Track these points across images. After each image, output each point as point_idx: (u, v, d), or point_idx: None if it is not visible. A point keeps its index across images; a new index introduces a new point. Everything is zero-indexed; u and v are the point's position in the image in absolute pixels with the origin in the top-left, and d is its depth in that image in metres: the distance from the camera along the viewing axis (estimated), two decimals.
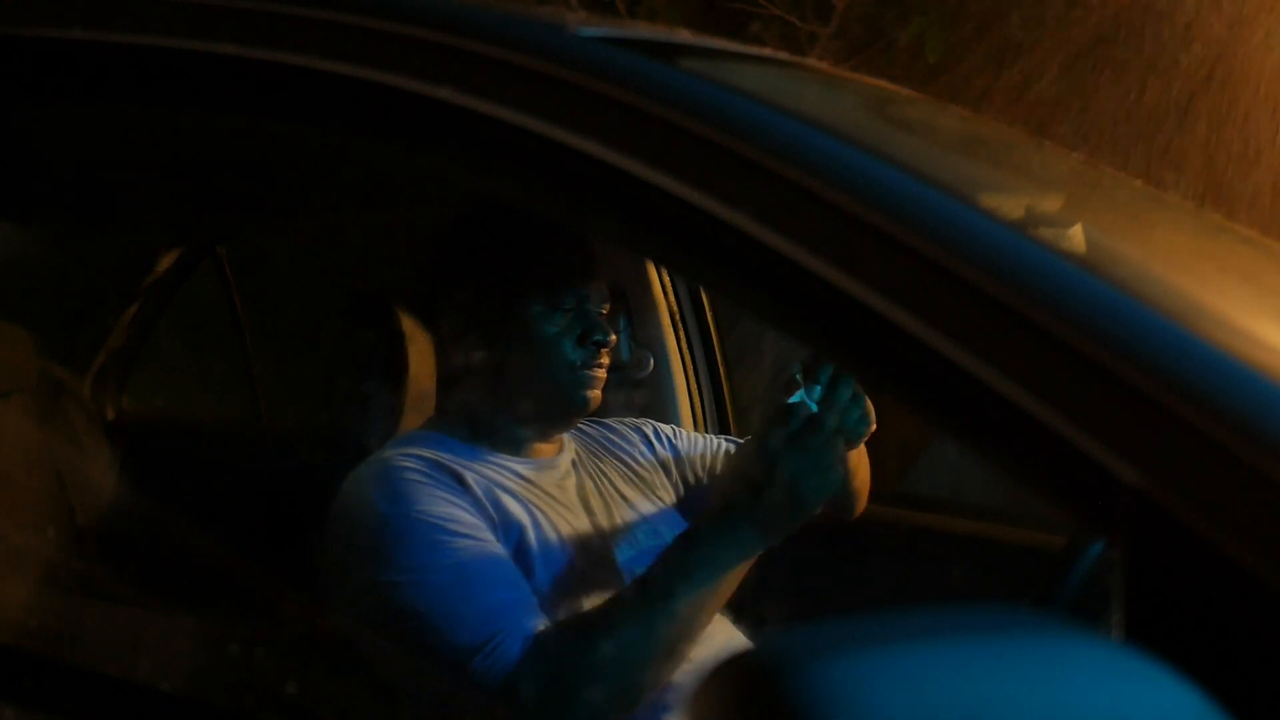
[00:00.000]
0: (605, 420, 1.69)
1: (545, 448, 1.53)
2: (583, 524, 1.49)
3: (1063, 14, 4.09)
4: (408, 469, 1.38)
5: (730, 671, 0.66)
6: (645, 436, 1.70)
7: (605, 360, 1.48)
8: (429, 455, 1.40)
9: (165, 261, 2.52)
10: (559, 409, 1.49)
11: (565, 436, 1.58)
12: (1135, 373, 0.73)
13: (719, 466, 1.71)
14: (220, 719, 1.17)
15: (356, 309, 1.79)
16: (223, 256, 2.63)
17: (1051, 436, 0.74)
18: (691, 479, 1.68)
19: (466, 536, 1.33)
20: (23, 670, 1.14)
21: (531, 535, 1.41)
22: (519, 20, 0.97)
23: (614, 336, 1.48)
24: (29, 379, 1.97)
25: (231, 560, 1.57)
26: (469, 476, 1.40)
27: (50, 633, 1.52)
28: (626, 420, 1.72)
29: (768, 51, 1.38)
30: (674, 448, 1.70)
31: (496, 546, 1.35)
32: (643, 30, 1.19)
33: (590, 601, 1.40)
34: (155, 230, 2.49)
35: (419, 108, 0.93)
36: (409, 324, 1.68)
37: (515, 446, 1.50)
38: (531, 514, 1.43)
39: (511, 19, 0.97)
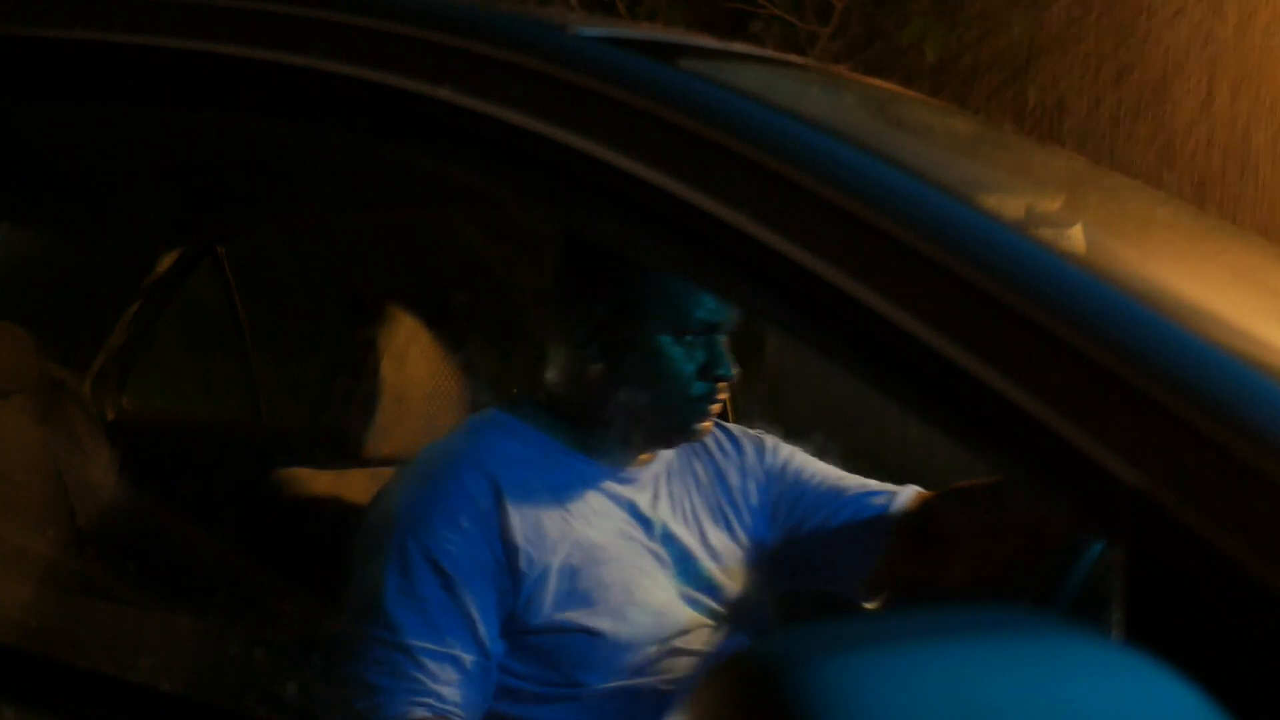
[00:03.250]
0: (728, 428, 1.61)
1: (635, 458, 1.49)
2: (640, 545, 1.45)
3: (1063, 14, 4.09)
4: (448, 475, 1.36)
5: (730, 671, 0.66)
6: (765, 453, 1.59)
7: (716, 399, 1.44)
8: (478, 464, 1.37)
9: (165, 261, 2.51)
10: (666, 434, 1.46)
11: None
12: (1135, 372, 0.73)
13: (836, 509, 1.57)
14: (220, 719, 1.17)
15: (356, 309, 1.79)
16: (223, 256, 2.63)
17: (1051, 436, 0.74)
18: (801, 517, 1.57)
19: (444, 587, 1.32)
20: (23, 670, 1.14)
21: (556, 556, 1.37)
22: (519, 20, 0.96)
23: (736, 371, 1.44)
24: (29, 379, 1.97)
25: (231, 560, 1.57)
26: (515, 479, 1.37)
27: (50, 633, 1.52)
28: (751, 433, 1.62)
29: (768, 51, 1.38)
30: (794, 474, 1.59)
31: (467, 610, 1.33)
32: (643, 30, 1.19)
33: (627, 625, 1.38)
34: (155, 230, 2.48)
35: (419, 108, 0.93)
36: (410, 324, 1.68)
37: (602, 454, 1.46)
38: (580, 531, 1.39)
39: (511, 19, 0.97)
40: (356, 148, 1.48)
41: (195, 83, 1.03)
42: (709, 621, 1.46)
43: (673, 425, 1.45)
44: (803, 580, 1.58)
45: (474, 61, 0.92)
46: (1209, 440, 0.71)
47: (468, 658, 1.32)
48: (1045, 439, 0.75)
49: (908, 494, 1.56)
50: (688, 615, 1.44)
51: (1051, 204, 1.14)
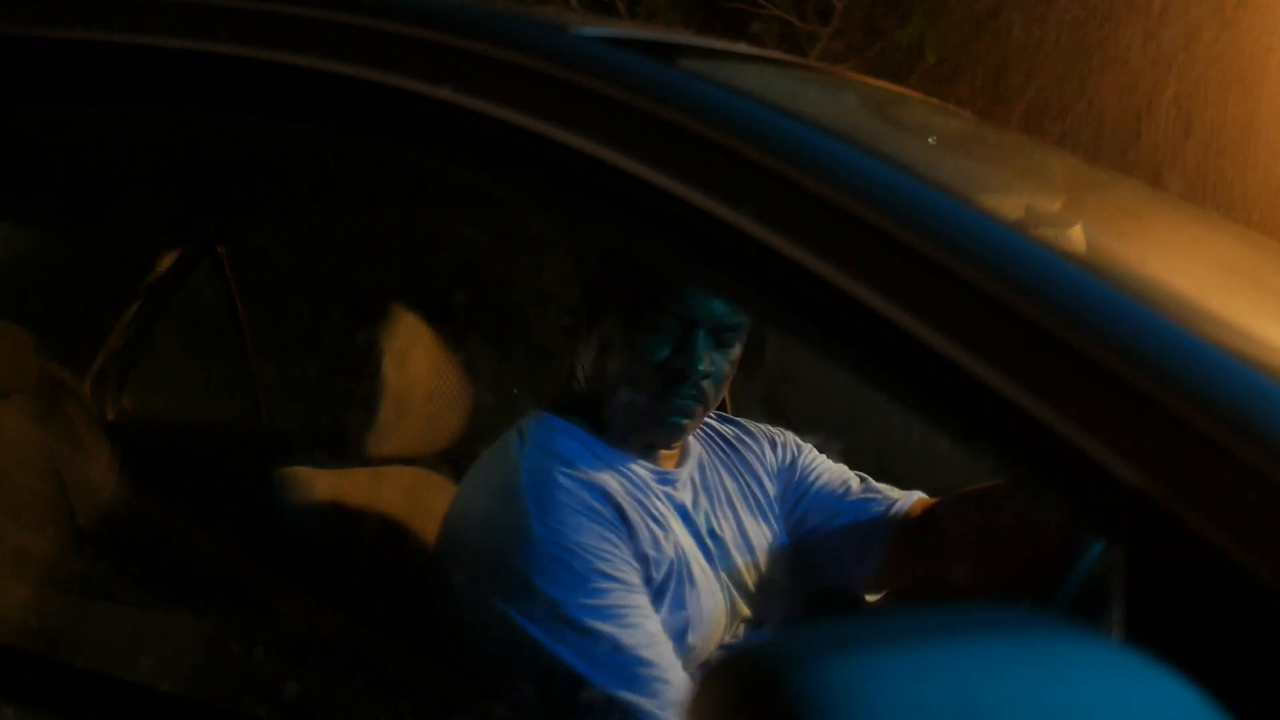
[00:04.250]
0: (744, 422, 1.62)
1: (666, 454, 1.48)
2: (698, 545, 1.45)
3: (1063, 14, 4.09)
4: (562, 485, 1.34)
5: (730, 671, 0.66)
6: (777, 447, 1.61)
7: (689, 395, 1.40)
8: (575, 471, 1.36)
9: (165, 261, 2.51)
10: (648, 426, 1.43)
11: (694, 443, 1.52)
12: (1135, 373, 0.73)
13: (837, 511, 1.58)
14: (220, 719, 1.17)
15: (357, 309, 1.79)
16: (223, 256, 2.63)
17: (1051, 436, 0.74)
18: (802, 515, 1.58)
19: (628, 593, 1.32)
20: (23, 670, 1.14)
21: (667, 559, 1.38)
22: (519, 20, 0.97)
23: (699, 376, 1.39)
24: (29, 379, 1.97)
25: (231, 560, 1.57)
26: (609, 484, 1.37)
27: (50, 633, 1.52)
28: (766, 428, 1.63)
29: (768, 51, 1.38)
30: (800, 471, 1.60)
31: (635, 588, 1.33)
32: (643, 30, 1.19)
33: (699, 625, 1.39)
34: (155, 230, 2.49)
35: (419, 108, 0.93)
36: (411, 323, 1.68)
37: (637, 449, 1.45)
38: (673, 535, 1.41)
39: (511, 19, 0.97)
40: (356, 148, 1.48)
41: (195, 83, 1.03)
42: (748, 618, 1.48)
43: (647, 415, 1.41)
44: (805, 578, 1.58)
45: (474, 61, 0.93)
46: (1209, 440, 0.71)
47: (666, 640, 1.33)
48: (1045, 439, 0.75)
49: (910, 499, 1.57)
50: (736, 612, 1.46)
51: (1051, 204, 1.14)
